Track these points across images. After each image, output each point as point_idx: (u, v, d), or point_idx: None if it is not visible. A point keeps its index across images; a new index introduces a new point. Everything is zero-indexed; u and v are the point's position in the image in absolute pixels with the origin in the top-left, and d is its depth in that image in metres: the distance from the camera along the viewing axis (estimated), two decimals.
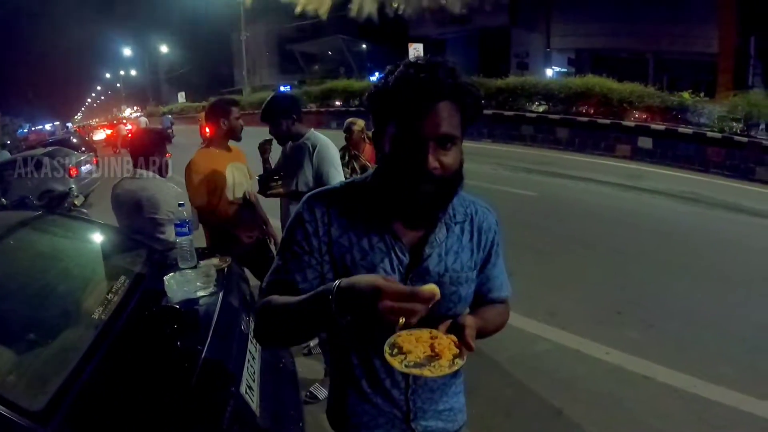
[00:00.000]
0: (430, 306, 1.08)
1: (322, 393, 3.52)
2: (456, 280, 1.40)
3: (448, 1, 27.99)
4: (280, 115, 3.54)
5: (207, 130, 4.44)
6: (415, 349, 1.17)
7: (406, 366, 1.14)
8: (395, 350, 1.17)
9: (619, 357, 4.08)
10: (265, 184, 3.70)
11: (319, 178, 3.50)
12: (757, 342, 4.34)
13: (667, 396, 3.65)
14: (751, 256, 6.66)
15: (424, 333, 1.21)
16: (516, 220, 7.84)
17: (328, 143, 3.60)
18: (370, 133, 5.30)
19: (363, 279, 1.10)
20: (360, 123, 5.35)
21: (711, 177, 12.51)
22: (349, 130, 5.29)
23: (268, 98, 3.70)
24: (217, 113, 3.85)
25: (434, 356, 1.16)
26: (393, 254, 1.35)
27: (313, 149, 3.53)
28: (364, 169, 5.15)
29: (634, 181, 11.40)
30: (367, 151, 5.36)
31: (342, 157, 5.05)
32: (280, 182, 3.68)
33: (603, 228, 7.88)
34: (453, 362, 1.16)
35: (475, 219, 1.45)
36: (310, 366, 3.95)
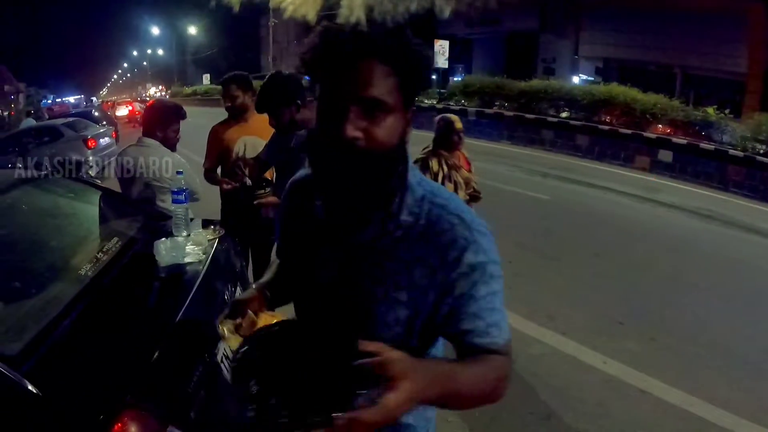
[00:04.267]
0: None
1: None
2: (372, 295, 1.14)
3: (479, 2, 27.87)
4: (281, 103, 3.01)
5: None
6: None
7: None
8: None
9: (616, 368, 4.01)
10: (251, 190, 3.32)
11: None
12: (760, 365, 4.25)
13: (662, 412, 3.58)
14: (762, 278, 6.55)
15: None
16: (525, 221, 7.82)
17: None
18: None
19: (245, 293, 1.34)
20: None
21: (729, 196, 12.36)
22: None
23: (265, 81, 3.13)
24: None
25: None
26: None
27: None
28: None
29: (650, 193, 11.27)
30: None
31: None
32: (269, 189, 3.32)
33: (614, 237, 7.78)
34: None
35: (433, 227, 1.12)
36: None
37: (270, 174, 3.59)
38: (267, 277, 1.41)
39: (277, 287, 1.37)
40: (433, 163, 3.91)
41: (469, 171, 4.13)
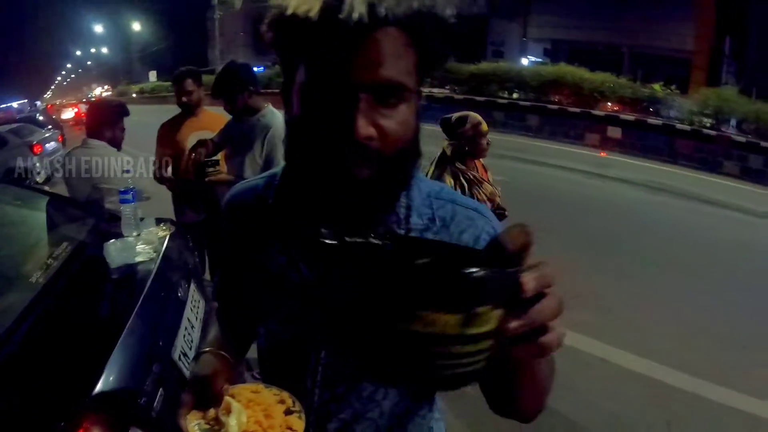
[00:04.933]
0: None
1: None
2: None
3: None
4: (236, 89, 3.19)
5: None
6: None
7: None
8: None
9: (574, 338, 4.00)
10: (201, 168, 3.34)
11: (269, 165, 3.07)
12: (716, 330, 4.40)
13: (624, 379, 3.67)
14: (715, 247, 6.80)
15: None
16: None
17: (283, 127, 3.18)
18: None
19: (201, 366, 0.94)
20: None
21: (679, 168, 12.74)
22: None
23: (221, 69, 3.34)
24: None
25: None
26: (296, 270, 0.93)
27: (266, 131, 3.15)
28: None
29: (602, 169, 11.50)
30: None
31: None
32: (218, 167, 3.40)
33: (568, 214, 7.91)
34: None
35: (450, 226, 0.92)
36: None
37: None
38: (214, 333, 1.08)
39: (232, 341, 1.06)
40: (448, 181, 3.16)
41: (490, 183, 3.43)
